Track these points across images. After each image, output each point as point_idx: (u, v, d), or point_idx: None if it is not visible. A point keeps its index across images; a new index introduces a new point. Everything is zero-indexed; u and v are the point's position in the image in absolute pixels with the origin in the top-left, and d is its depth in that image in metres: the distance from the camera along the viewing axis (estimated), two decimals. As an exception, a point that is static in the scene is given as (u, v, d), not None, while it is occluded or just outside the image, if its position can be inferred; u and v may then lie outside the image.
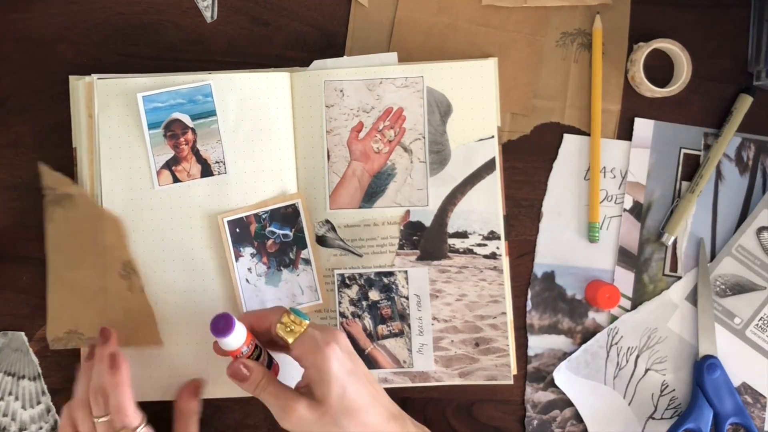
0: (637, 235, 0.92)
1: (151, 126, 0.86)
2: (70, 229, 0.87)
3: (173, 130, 0.87)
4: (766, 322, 0.91)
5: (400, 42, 0.91)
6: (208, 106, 0.87)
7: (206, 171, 0.87)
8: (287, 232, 0.88)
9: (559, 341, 0.92)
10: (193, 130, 0.87)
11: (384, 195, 0.88)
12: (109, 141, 0.86)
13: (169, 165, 0.87)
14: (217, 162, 0.87)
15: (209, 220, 0.87)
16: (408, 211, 0.88)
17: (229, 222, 0.87)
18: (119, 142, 0.86)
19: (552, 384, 0.91)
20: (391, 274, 0.88)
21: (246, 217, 0.87)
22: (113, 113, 0.86)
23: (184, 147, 0.87)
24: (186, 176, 0.87)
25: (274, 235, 0.88)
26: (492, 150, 0.88)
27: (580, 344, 0.91)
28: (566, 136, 0.92)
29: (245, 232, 0.87)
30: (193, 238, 0.87)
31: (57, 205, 0.87)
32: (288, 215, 0.88)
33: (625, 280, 0.91)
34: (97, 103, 0.86)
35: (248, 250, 0.87)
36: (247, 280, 0.87)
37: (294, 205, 0.88)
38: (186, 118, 0.87)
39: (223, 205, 0.87)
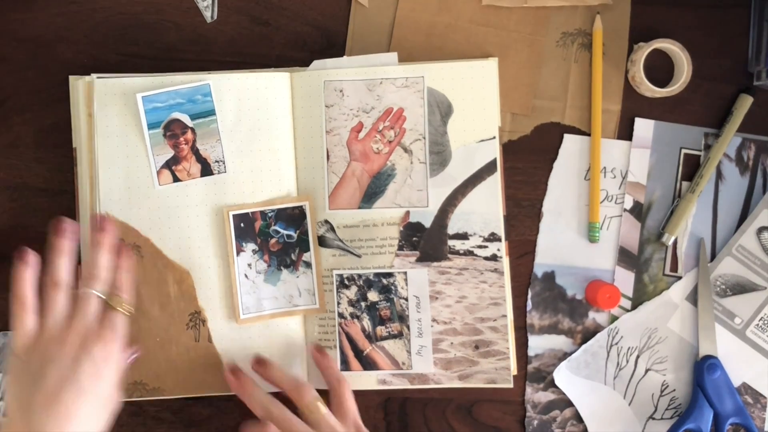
0: (637, 235, 0.92)
1: (151, 126, 0.86)
2: (135, 280, 0.87)
3: (173, 130, 0.87)
4: (766, 322, 0.91)
5: (401, 42, 0.91)
6: (207, 105, 0.87)
7: (206, 170, 0.87)
8: (291, 232, 0.88)
9: (559, 341, 0.92)
10: (192, 129, 0.87)
11: (384, 196, 0.88)
12: (107, 140, 0.86)
13: (169, 164, 0.87)
14: (216, 161, 0.87)
15: (210, 217, 0.87)
16: (408, 212, 0.88)
17: (234, 216, 0.87)
18: (118, 141, 0.86)
19: (552, 384, 0.91)
20: (390, 275, 0.88)
21: (252, 213, 0.87)
22: (112, 113, 0.86)
23: (183, 146, 0.87)
24: (186, 175, 0.87)
25: (278, 234, 0.88)
26: (493, 151, 0.88)
27: (580, 344, 0.91)
28: (566, 136, 0.92)
29: (249, 228, 0.87)
30: (191, 236, 0.87)
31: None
32: (294, 216, 0.88)
33: (625, 280, 0.91)
34: (96, 102, 0.86)
35: (250, 246, 0.87)
36: (246, 276, 0.87)
37: (301, 207, 0.88)
38: (185, 118, 0.87)
39: (222, 203, 0.87)
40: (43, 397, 0.74)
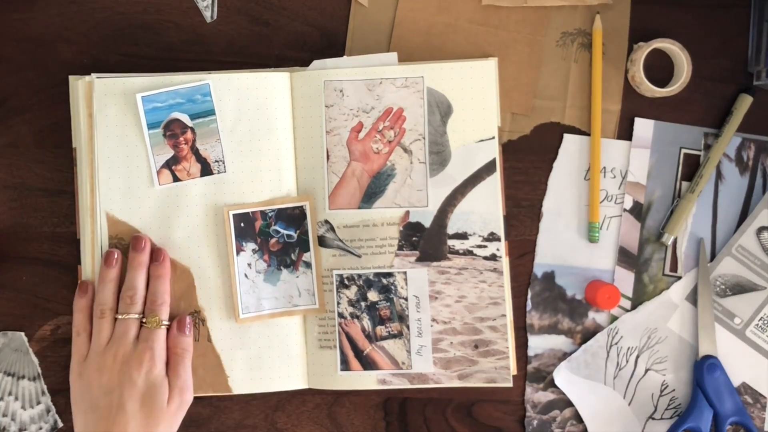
0: (637, 235, 0.92)
1: (151, 126, 0.86)
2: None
3: (173, 130, 0.87)
4: (766, 322, 0.91)
5: (400, 42, 0.91)
6: (207, 105, 0.87)
7: (206, 170, 0.87)
8: (292, 233, 0.88)
9: (559, 341, 0.92)
10: (192, 129, 0.87)
11: (383, 195, 0.88)
12: (107, 140, 0.86)
13: (169, 164, 0.87)
14: (216, 161, 0.87)
15: (210, 216, 0.87)
16: (407, 212, 0.88)
17: (234, 215, 0.87)
18: (117, 141, 0.86)
19: (552, 384, 0.91)
20: (390, 275, 0.88)
21: (252, 212, 0.87)
22: (111, 113, 0.86)
23: (183, 146, 0.87)
24: (186, 175, 0.87)
25: (279, 234, 0.88)
26: (492, 151, 0.88)
27: (580, 344, 0.91)
28: (566, 136, 0.92)
29: (250, 227, 0.87)
30: (190, 236, 0.87)
31: (122, 256, 0.87)
32: (294, 216, 0.88)
33: (625, 280, 0.91)
34: (95, 102, 0.86)
35: (250, 246, 0.87)
36: (246, 275, 0.87)
37: (302, 207, 0.88)
38: (185, 118, 0.87)
39: (222, 203, 0.87)
40: (103, 426, 0.81)
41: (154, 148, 0.87)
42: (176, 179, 0.87)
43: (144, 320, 0.84)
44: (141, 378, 0.82)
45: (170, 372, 0.84)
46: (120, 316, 0.84)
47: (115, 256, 0.86)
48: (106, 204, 0.87)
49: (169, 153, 0.87)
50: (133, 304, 0.84)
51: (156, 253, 0.86)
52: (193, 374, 0.86)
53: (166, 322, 0.85)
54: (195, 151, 0.87)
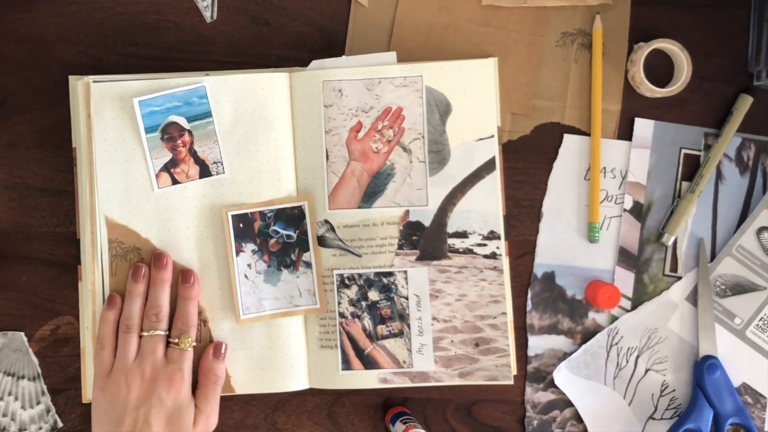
0: (637, 235, 0.92)
1: (148, 130, 0.86)
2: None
3: (170, 133, 0.87)
4: (766, 322, 0.91)
5: (400, 42, 0.91)
6: (204, 107, 0.87)
7: (204, 172, 0.87)
8: (291, 233, 0.88)
9: (559, 341, 0.92)
10: (189, 132, 0.87)
11: (383, 195, 0.88)
12: (104, 144, 0.86)
13: (168, 167, 0.87)
14: (215, 162, 0.87)
15: (209, 218, 0.87)
16: (407, 211, 0.88)
17: (233, 216, 0.87)
18: (115, 145, 0.86)
19: (552, 384, 0.91)
20: (390, 274, 0.88)
21: (251, 213, 0.87)
22: (108, 116, 0.86)
23: (181, 149, 0.87)
24: (185, 177, 0.87)
25: (278, 234, 0.88)
26: (492, 149, 0.88)
27: (580, 344, 0.91)
28: (566, 136, 0.92)
29: (249, 228, 0.87)
30: (190, 237, 0.87)
31: (122, 259, 0.87)
32: (294, 216, 0.88)
33: (625, 281, 0.91)
34: (92, 106, 0.86)
35: (250, 246, 0.87)
36: (246, 276, 0.87)
37: (300, 207, 0.88)
38: (182, 121, 0.87)
39: (221, 204, 0.87)
40: None
41: (152, 151, 0.87)
42: (175, 182, 0.87)
43: (172, 339, 0.84)
44: (170, 398, 0.82)
45: (199, 395, 0.84)
46: (146, 333, 0.84)
47: (143, 272, 0.85)
48: (105, 207, 0.86)
49: (167, 156, 0.87)
50: (159, 322, 0.84)
51: (185, 275, 0.86)
52: (196, 376, 0.86)
53: (194, 344, 0.85)
54: (193, 153, 0.87)
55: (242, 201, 0.87)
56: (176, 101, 0.87)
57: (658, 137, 0.92)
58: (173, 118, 0.87)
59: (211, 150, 0.87)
